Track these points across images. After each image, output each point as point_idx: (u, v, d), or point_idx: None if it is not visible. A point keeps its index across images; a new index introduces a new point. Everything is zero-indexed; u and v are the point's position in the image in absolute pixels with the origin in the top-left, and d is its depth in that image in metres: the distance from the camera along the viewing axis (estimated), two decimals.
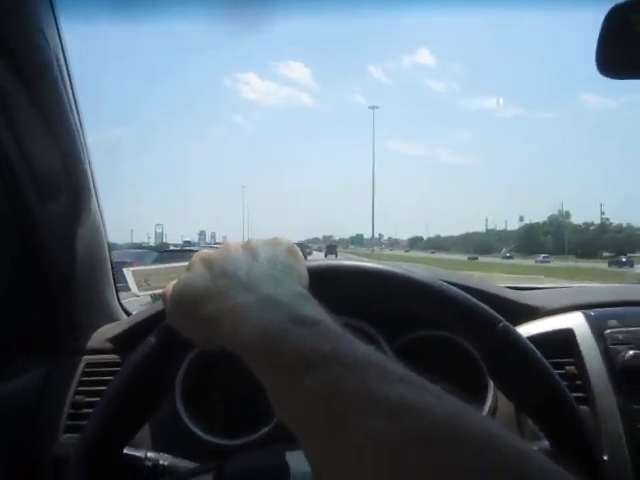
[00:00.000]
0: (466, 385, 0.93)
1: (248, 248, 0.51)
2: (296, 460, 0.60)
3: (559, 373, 0.67)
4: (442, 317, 0.62)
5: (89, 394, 0.91)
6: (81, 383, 0.93)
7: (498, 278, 13.54)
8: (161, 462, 0.69)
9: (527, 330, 0.90)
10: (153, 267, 1.41)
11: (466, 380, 0.95)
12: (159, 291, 0.60)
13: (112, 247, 1.20)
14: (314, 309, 0.43)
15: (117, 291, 1.21)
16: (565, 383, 0.61)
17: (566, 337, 0.91)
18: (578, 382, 0.87)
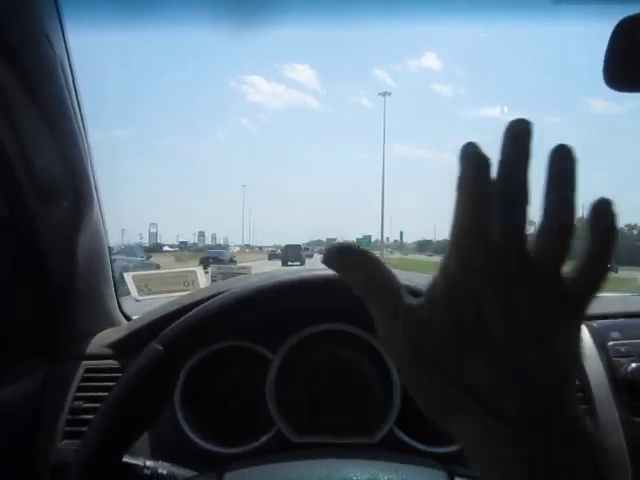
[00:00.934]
0: None
1: None
2: (300, 471, 0.60)
3: None
4: None
5: (88, 400, 0.90)
6: (80, 389, 0.92)
7: None
8: (160, 470, 0.69)
9: None
10: (154, 272, 1.41)
11: None
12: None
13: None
14: None
15: (117, 296, 1.20)
16: None
17: None
18: (580, 394, 0.87)
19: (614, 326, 0.94)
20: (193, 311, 0.61)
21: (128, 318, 1.18)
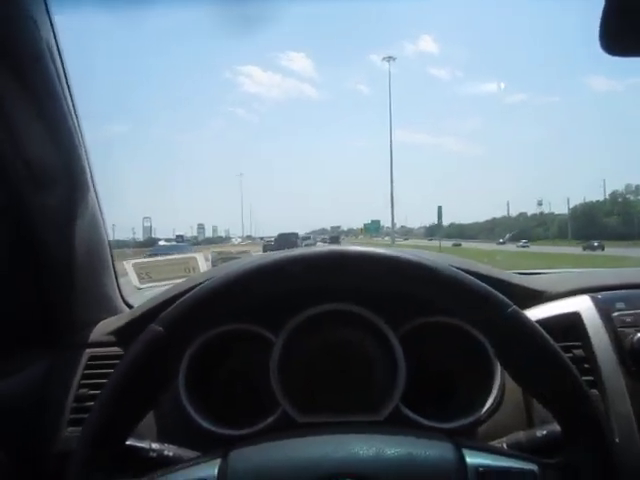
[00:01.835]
0: (472, 373, 0.93)
1: None
2: (305, 447, 0.60)
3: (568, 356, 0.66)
4: (451, 302, 0.61)
5: (92, 387, 0.90)
6: (84, 376, 0.92)
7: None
8: (166, 453, 0.69)
9: (533, 314, 0.88)
10: (154, 259, 1.40)
11: (472, 368, 0.94)
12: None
13: None
14: None
15: (119, 284, 1.20)
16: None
17: (573, 320, 0.90)
18: (586, 365, 0.86)
19: (619, 297, 0.93)
20: (192, 291, 0.60)
21: (130, 307, 1.17)
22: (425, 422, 0.86)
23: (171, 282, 1.22)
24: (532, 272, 1.19)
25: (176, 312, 0.60)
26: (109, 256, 1.14)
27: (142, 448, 0.67)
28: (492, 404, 0.88)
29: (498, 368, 0.89)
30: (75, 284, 1.02)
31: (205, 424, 0.87)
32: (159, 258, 1.42)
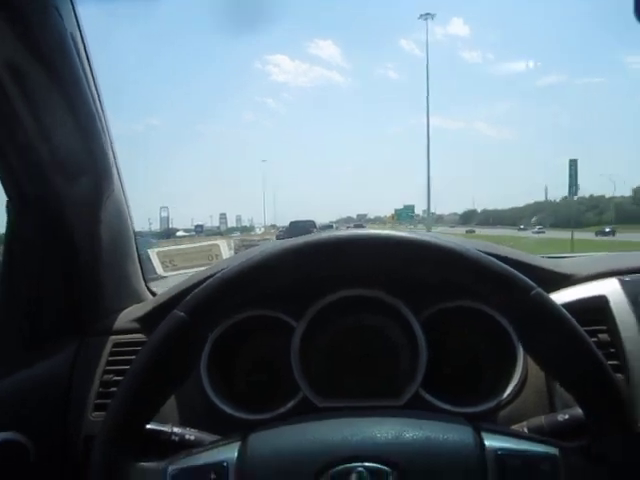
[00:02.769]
0: (494, 357, 0.92)
1: None
2: (324, 430, 0.60)
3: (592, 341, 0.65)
4: (474, 284, 0.60)
5: (117, 373, 0.92)
6: (109, 362, 0.94)
7: None
8: (187, 437, 0.70)
9: (559, 298, 0.87)
10: (178, 247, 1.42)
11: (494, 352, 0.93)
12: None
13: None
14: None
15: (144, 273, 1.22)
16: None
17: (600, 304, 0.88)
18: (612, 350, 0.84)
19: None
20: (214, 277, 0.61)
21: (154, 294, 1.19)
22: (446, 406, 0.86)
23: (194, 269, 1.23)
24: (559, 256, 1.17)
25: (198, 298, 0.60)
26: (134, 245, 1.16)
27: (164, 432, 0.69)
28: (514, 388, 0.87)
29: (521, 352, 0.88)
30: (101, 272, 1.04)
31: (226, 409, 0.88)
32: (182, 246, 1.44)
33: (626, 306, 0.87)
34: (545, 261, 0.99)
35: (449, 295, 0.91)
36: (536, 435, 0.65)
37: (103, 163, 0.97)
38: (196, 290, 0.60)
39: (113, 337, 0.98)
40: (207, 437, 0.70)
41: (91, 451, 0.58)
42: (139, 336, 0.97)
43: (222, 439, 0.64)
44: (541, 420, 0.69)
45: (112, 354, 0.95)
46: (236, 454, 0.57)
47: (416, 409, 0.69)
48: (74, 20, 0.85)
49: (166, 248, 1.39)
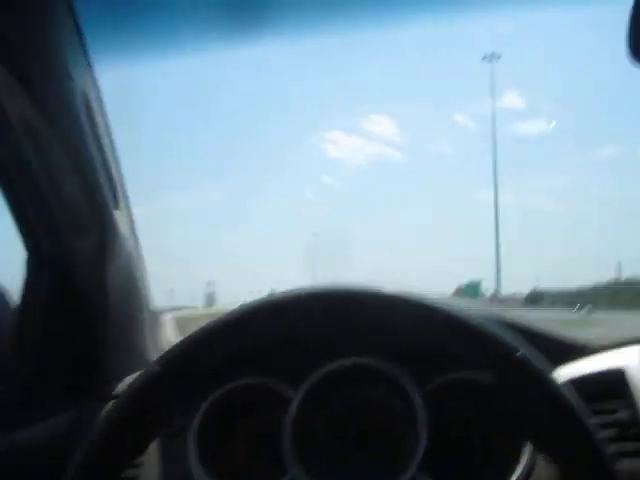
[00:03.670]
0: (499, 437, 0.84)
1: None
2: None
3: (609, 419, 0.59)
4: (455, 345, 0.57)
5: None
6: None
7: None
8: None
9: (573, 371, 0.80)
10: (195, 312, 1.42)
11: (499, 432, 0.85)
12: None
13: None
14: None
15: (156, 335, 1.21)
16: (616, 431, 0.53)
17: (618, 377, 0.80)
18: (633, 430, 0.76)
19: None
20: (194, 330, 0.60)
21: None
22: None
23: None
24: None
25: (173, 350, 0.58)
26: (146, 307, 1.16)
27: None
28: (521, 473, 0.79)
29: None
30: (109, 335, 1.03)
31: None
32: (200, 312, 1.43)
33: None
34: (558, 332, 0.93)
35: (455, 366, 0.86)
36: None
37: (108, 223, 0.98)
38: (175, 344, 0.60)
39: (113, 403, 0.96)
40: None
41: None
42: None
43: None
44: None
45: None
46: None
47: None
48: (89, 83, 0.89)
49: (180, 313, 1.39)
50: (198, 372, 0.61)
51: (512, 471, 0.79)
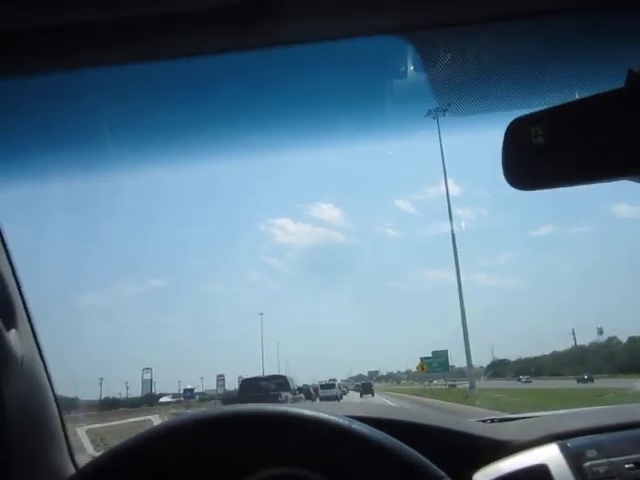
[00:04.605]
0: None
1: None
2: None
3: None
4: (377, 471, 0.57)
5: None
6: None
7: None
8: None
9: (498, 469, 0.81)
10: (108, 424, 1.33)
11: None
12: None
13: (67, 405, 1.14)
14: None
15: (70, 450, 1.12)
16: None
17: (541, 474, 0.82)
18: None
19: (590, 443, 0.87)
20: (117, 445, 0.60)
21: None
22: None
23: None
24: (503, 417, 1.12)
25: (93, 463, 0.59)
26: (58, 420, 1.08)
27: None
28: None
29: None
30: (13, 457, 0.95)
31: None
32: (113, 423, 1.35)
33: (569, 476, 0.82)
34: (478, 427, 0.95)
35: None
36: None
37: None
38: (97, 456, 0.59)
39: None
40: None
41: None
42: None
43: None
44: None
45: None
46: None
47: None
48: None
49: (96, 425, 1.30)
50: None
51: None
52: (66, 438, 1.11)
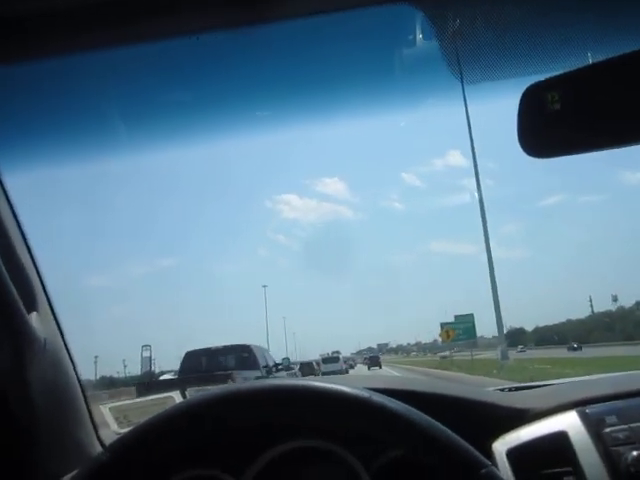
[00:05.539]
0: None
1: None
2: None
3: None
4: (419, 454, 0.58)
5: None
6: None
7: None
8: None
9: (517, 437, 0.82)
10: (131, 402, 1.36)
11: None
12: None
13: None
14: None
15: (95, 428, 1.15)
16: None
17: (561, 442, 0.82)
18: None
19: (610, 410, 0.86)
20: (143, 420, 0.61)
21: None
22: None
23: None
24: (520, 386, 1.13)
25: (123, 439, 0.60)
26: (82, 400, 1.10)
27: None
28: None
29: None
30: (41, 436, 0.97)
31: None
32: (136, 400, 1.38)
33: (588, 442, 0.82)
34: (499, 396, 0.95)
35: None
36: None
37: (21, 328, 0.93)
38: (125, 433, 0.61)
39: None
40: None
41: None
42: None
43: None
44: None
45: None
46: None
47: None
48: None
49: (119, 403, 1.33)
50: (146, 462, 0.62)
51: None
52: (91, 416, 1.13)
